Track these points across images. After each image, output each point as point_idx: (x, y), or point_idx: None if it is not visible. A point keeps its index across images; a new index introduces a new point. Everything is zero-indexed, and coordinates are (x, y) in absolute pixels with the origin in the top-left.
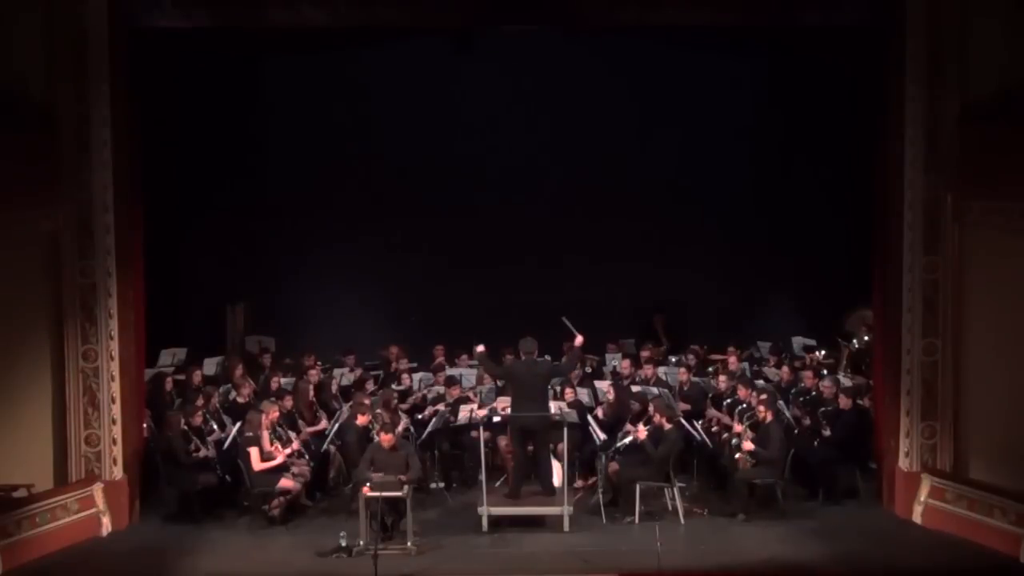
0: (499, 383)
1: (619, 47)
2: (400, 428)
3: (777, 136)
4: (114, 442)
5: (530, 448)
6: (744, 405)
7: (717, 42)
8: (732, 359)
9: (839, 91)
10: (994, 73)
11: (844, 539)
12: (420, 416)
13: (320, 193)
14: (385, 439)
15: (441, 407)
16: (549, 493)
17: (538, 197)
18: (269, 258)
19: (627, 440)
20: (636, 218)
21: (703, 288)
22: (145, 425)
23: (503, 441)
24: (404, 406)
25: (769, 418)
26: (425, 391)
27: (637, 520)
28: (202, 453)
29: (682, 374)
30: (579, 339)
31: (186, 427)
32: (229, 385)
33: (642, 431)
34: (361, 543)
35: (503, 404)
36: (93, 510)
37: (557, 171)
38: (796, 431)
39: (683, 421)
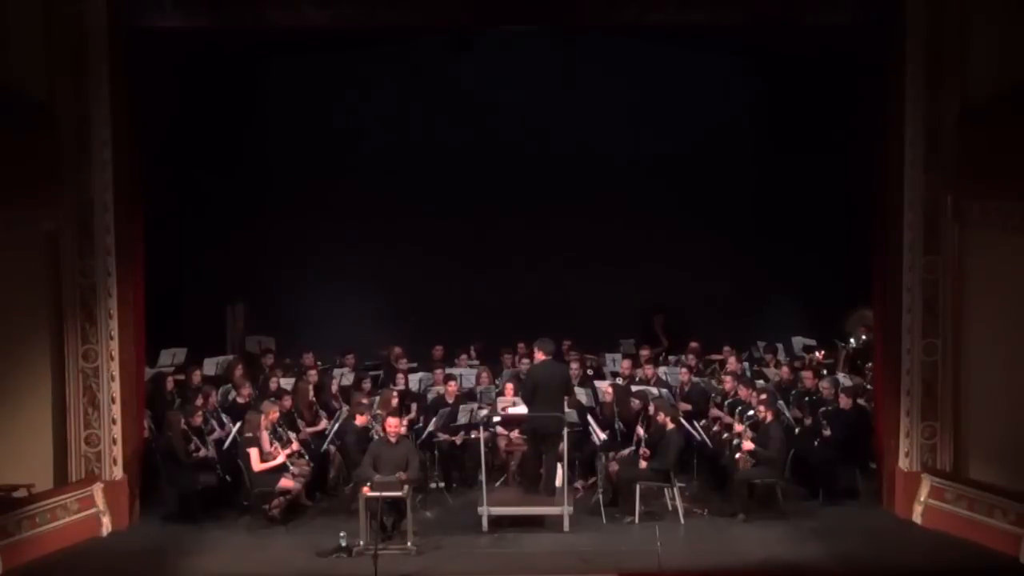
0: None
1: (618, 47)
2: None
3: (777, 136)
4: (114, 442)
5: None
6: (743, 405)
7: (716, 42)
8: (731, 359)
9: (839, 91)
10: (994, 73)
11: (844, 539)
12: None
13: (320, 193)
14: (391, 424)
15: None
16: (550, 494)
17: (538, 197)
18: (269, 258)
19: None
20: (636, 218)
21: (703, 288)
22: (145, 425)
23: (503, 441)
24: (410, 415)
25: (769, 418)
26: (426, 392)
27: (637, 520)
28: (202, 453)
29: (683, 374)
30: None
31: (186, 427)
32: (229, 385)
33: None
34: (361, 543)
35: (504, 405)
36: (93, 510)
37: (557, 171)
38: (796, 431)
39: (683, 421)
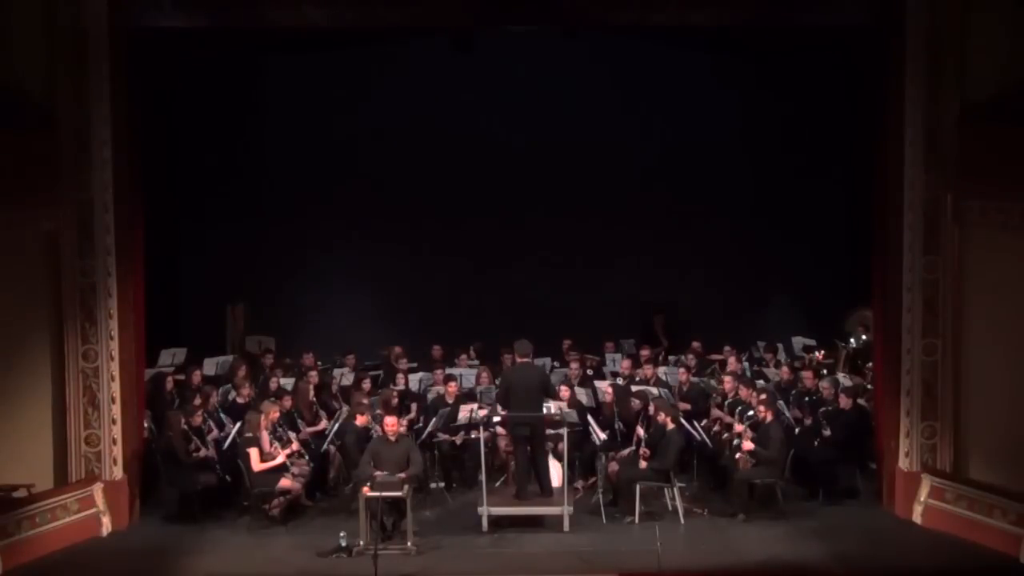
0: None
1: (619, 47)
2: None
3: (777, 136)
4: (114, 442)
5: (528, 449)
6: (743, 405)
7: (717, 42)
8: (732, 359)
9: (839, 91)
10: (994, 73)
11: (844, 539)
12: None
13: (320, 193)
14: (389, 423)
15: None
16: (547, 494)
17: (538, 197)
18: (269, 258)
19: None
20: (636, 218)
21: (703, 288)
22: (145, 425)
23: (503, 441)
24: (410, 416)
25: (769, 418)
26: (426, 391)
27: (637, 520)
28: (202, 453)
29: (682, 374)
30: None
31: (186, 427)
32: (229, 385)
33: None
34: (361, 543)
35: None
36: (93, 510)
37: (557, 171)
38: (796, 431)
39: (683, 421)
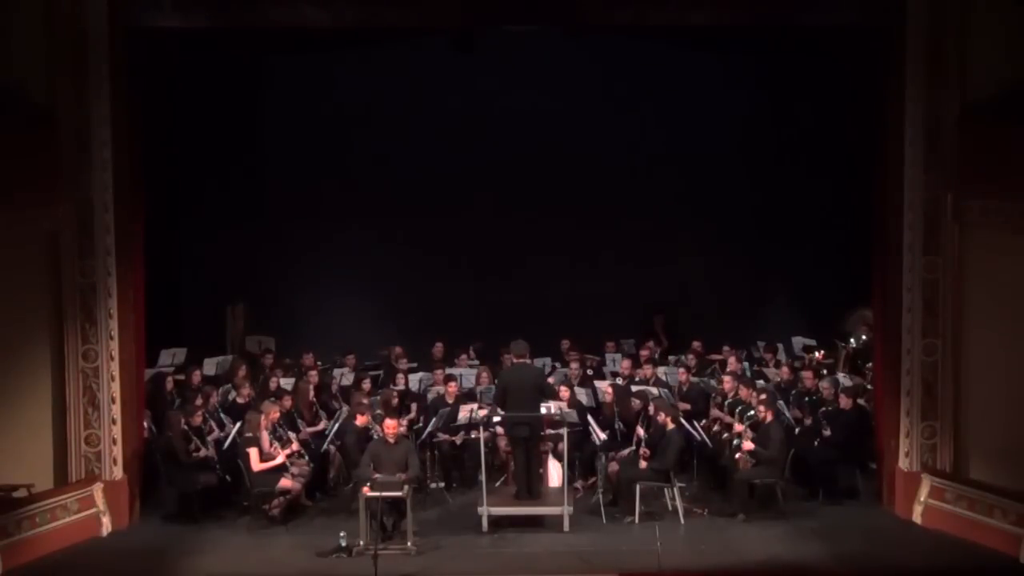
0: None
1: (619, 47)
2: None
3: (777, 136)
4: (114, 442)
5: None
6: (743, 405)
7: (716, 42)
8: (732, 359)
9: (839, 91)
10: (994, 73)
11: (844, 539)
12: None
13: (320, 193)
14: (389, 425)
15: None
16: (533, 496)
17: (538, 197)
18: (269, 258)
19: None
20: (636, 217)
21: (703, 288)
22: (145, 425)
23: (503, 441)
24: (410, 415)
25: (769, 418)
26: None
27: (637, 520)
28: (202, 453)
29: (681, 374)
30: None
31: (186, 427)
32: (229, 385)
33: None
34: (361, 543)
35: None
36: (93, 510)
37: (557, 171)
38: (796, 431)
39: (683, 421)
